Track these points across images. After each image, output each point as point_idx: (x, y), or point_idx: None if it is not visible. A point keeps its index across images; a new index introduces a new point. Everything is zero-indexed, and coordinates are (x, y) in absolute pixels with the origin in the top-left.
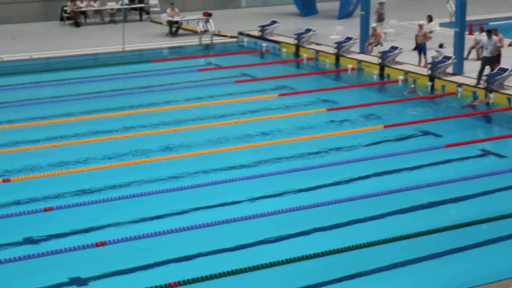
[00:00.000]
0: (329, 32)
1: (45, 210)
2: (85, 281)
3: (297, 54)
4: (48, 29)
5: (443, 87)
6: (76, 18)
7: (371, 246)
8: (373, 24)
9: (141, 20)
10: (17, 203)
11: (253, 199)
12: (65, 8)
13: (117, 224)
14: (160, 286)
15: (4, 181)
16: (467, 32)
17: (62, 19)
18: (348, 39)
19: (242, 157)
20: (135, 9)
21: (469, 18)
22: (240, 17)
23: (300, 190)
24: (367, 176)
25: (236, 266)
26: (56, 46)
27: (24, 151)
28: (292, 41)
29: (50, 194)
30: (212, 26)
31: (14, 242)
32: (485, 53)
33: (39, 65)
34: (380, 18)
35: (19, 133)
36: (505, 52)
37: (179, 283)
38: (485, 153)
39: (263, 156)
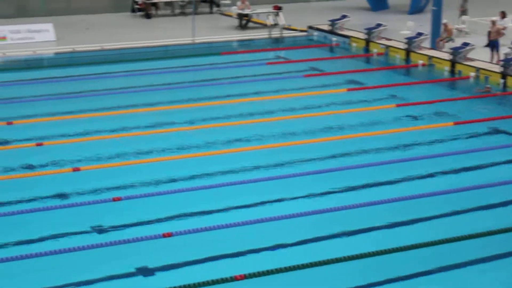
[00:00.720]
0: (399, 27)
1: (114, 200)
2: (152, 271)
3: (367, 49)
4: (120, 20)
5: None
6: (147, 10)
7: (437, 245)
8: (444, 20)
9: (211, 12)
10: (86, 192)
11: (321, 194)
12: (136, 0)
13: (184, 215)
14: (226, 278)
15: (74, 170)
16: None
17: (133, 10)
18: (419, 34)
19: (310, 151)
20: (205, 1)
21: None
22: (310, 11)
23: (368, 186)
24: (436, 174)
25: (301, 261)
26: (127, 37)
27: (94, 141)
28: (362, 35)
29: (119, 184)
30: (282, 20)
31: (83, 231)
32: None
33: (111, 56)
34: (464, 13)
35: (90, 123)
36: None
37: (245, 276)
38: None
39: (331, 151)
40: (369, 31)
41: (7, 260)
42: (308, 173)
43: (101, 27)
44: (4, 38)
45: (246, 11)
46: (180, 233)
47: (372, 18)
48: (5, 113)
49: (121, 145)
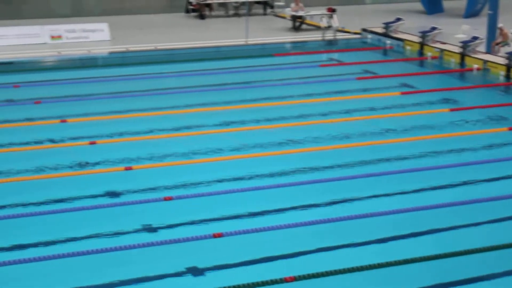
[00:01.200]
0: (454, 31)
1: (165, 199)
2: (202, 271)
3: (421, 53)
4: (173, 20)
5: None
6: (201, 11)
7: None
8: (500, 24)
9: (265, 14)
10: (138, 191)
11: (374, 197)
12: (190, 1)
13: (235, 216)
14: (276, 280)
15: (126, 169)
16: None
17: (187, 11)
18: (474, 38)
19: (364, 154)
20: (259, 2)
21: None
22: (364, 14)
23: (423, 189)
24: (490, 180)
25: (351, 264)
26: (180, 37)
27: (146, 140)
28: (417, 39)
29: (170, 184)
30: (336, 22)
31: (134, 229)
32: None
33: (164, 56)
34: None
35: (142, 123)
36: None
37: (295, 278)
38: None
39: (384, 154)
40: (424, 34)
41: (59, 257)
42: (362, 176)
43: (155, 27)
44: (59, 37)
45: (300, 13)
46: (231, 234)
47: (427, 21)
48: (59, 111)
49: (173, 145)
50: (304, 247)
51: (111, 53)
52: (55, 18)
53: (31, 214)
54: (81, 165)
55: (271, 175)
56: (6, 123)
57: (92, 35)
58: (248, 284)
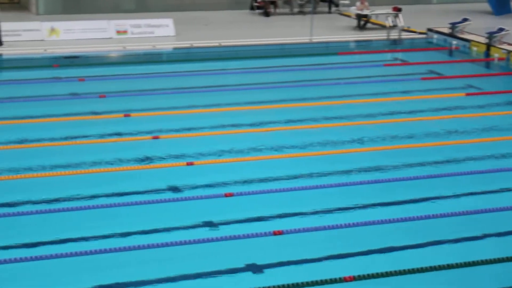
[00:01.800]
0: None
1: (226, 195)
2: (261, 268)
3: (487, 54)
4: (238, 17)
5: None
6: (265, 8)
7: None
8: None
9: (329, 12)
10: (199, 187)
11: (439, 198)
12: None
13: (296, 214)
14: (335, 279)
15: (188, 164)
16: None
17: (252, 8)
18: None
19: (428, 155)
20: (324, 1)
21: None
22: (430, 13)
23: (491, 192)
24: None
25: (411, 265)
26: (244, 34)
27: (209, 136)
28: (483, 40)
29: (232, 180)
30: (401, 21)
31: (194, 225)
32: None
33: (227, 53)
34: None
35: (205, 118)
36: None
37: (354, 278)
38: None
39: (450, 155)
40: (491, 35)
41: (120, 250)
42: (425, 177)
43: (220, 24)
44: (125, 32)
45: (365, 12)
46: (291, 232)
47: (494, 22)
48: (123, 105)
49: (235, 141)
50: (365, 246)
51: (175, 48)
52: (121, 13)
53: (97, 207)
54: (144, 160)
55: (333, 173)
56: (71, 116)
57: (157, 31)
58: (307, 283)
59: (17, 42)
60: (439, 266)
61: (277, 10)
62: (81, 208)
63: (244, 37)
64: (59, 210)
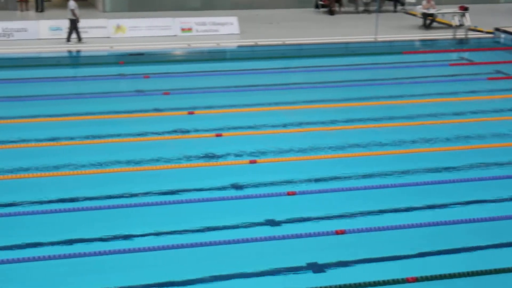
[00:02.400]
0: None
1: (288, 194)
2: (322, 267)
3: None
4: (303, 15)
5: None
6: (330, 6)
7: None
8: None
9: (395, 11)
10: (262, 185)
11: (506, 200)
12: None
13: (358, 214)
14: (397, 280)
15: (251, 162)
16: None
17: (317, 6)
18: None
19: (494, 156)
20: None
21: None
22: (497, 13)
23: None
24: None
25: (474, 268)
26: (308, 33)
27: (271, 134)
28: None
29: (294, 179)
30: (468, 21)
31: (257, 223)
32: None
33: (291, 51)
34: None
35: (268, 116)
36: None
37: (417, 279)
38: None
39: None
40: None
41: (182, 247)
42: (493, 178)
43: (284, 22)
44: (189, 29)
45: (431, 11)
46: (353, 231)
47: None
48: (187, 103)
49: (298, 140)
50: (429, 247)
51: (239, 46)
52: (186, 11)
53: (161, 203)
54: (207, 157)
55: (396, 173)
56: (135, 113)
57: (222, 29)
58: (369, 283)
59: (84, 39)
60: (508, 268)
61: (342, 9)
62: (145, 205)
63: (308, 35)
64: (125, 206)
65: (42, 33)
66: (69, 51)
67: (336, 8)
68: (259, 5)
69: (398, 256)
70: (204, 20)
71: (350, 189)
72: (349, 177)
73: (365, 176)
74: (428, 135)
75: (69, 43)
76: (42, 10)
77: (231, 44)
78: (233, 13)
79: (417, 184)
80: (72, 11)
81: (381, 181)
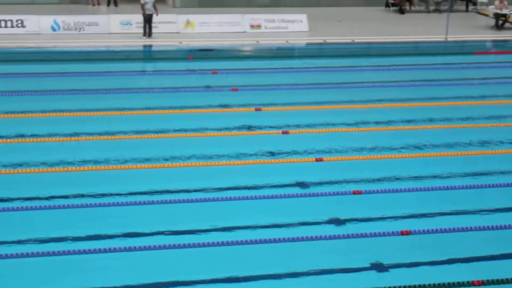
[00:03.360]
0: None
1: (354, 193)
2: (386, 268)
3: None
4: (373, 14)
5: None
6: (401, 5)
7: None
8: None
9: (467, 11)
10: (327, 183)
11: None
12: None
13: (425, 215)
14: (463, 282)
15: (317, 160)
16: None
17: (387, 5)
18: None
19: None
20: None
21: None
22: None
23: None
24: None
25: None
26: (378, 31)
27: (337, 133)
28: None
29: (360, 178)
30: None
31: (321, 221)
32: None
33: (360, 49)
34: None
35: (335, 115)
36: None
37: (483, 282)
38: None
39: None
40: None
41: (247, 243)
42: None
43: (354, 20)
44: (258, 26)
45: (504, 11)
46: (419, 232)
47: None
48: (254, 99)
49: (364, 139)
50: (495, 250)
51: (308, 44)
52: (256, 7)
53: (224, 199)
54: (273, 154)
55: (462, 175)
56: (203, 108)
57: (291, 26)
58: (434, 285)
59: (153, 34)
60: None
61: (413, 8)
62: (207, 200)
63: (378, 34)
64: (197, 201)
65: (113, 28)
66: (139, 46)
67: (407, 7)
68: (329, 3)
69: (464, 258)
70: (273, 17)
71: (417, 190)
72: (415, 178)
73: (430, 177)
74: (494, 137)
75: (144, 37)
76: (115, 5)
77: (300, 41)
78: (303, 11)
79: (483, 186)
80: (154, 5)
81: (447, 183)
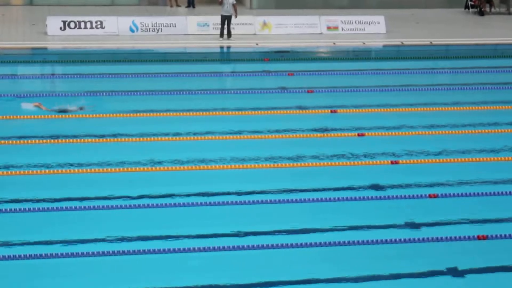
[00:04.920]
0: None
1: (430, 196)
2: (462, 273)
3: None
4: (451, 16)
5: None
6: (481, 7)
7: None
8: None
9: None
10: (403, 186)
11: None
12: None
13: (501, 220)
14: None
15: (392, 163)
16: None
17: (466, 7)
18: None
19: None
20: None
21: None
22: None
23: None
24: None
25: None
26: (456, 33)
27: (412, 136)
28: None
29: (435, 182)
30: None
31: (396, 224)
32: None
33: (439, 51)
34: None
35: (410, 117)
36: None
37: None
38: None
39: None
40: None
41: (323, 245)
42: None
43: (432, 22)
44: (335, 28)
45: None
46: (496, 237)
47: None
48: (330, 101)
49: (442, 142)
50: None
51: (385, 46)
52: (333, 9)
53: (297, 201)
54: (349, 157)
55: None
56: (279, 110)
57: (368, 27)
58: None
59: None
60: None
61: (493, 9)
62: (282, 202)
63: (456, 36)
64: (257, 202)
65: (190, 29)
66: (215, 47)
67: (487, 9)
68: (407, 4)
69: None
70: (350, 18)
71: (494, 194)
72: (494, 182)
73: (506, 182)
74: None
75: (221, 39)
76: (193, 6)
77: (377, 43)
78: (380, 12)
79: None
80: (234, 6)
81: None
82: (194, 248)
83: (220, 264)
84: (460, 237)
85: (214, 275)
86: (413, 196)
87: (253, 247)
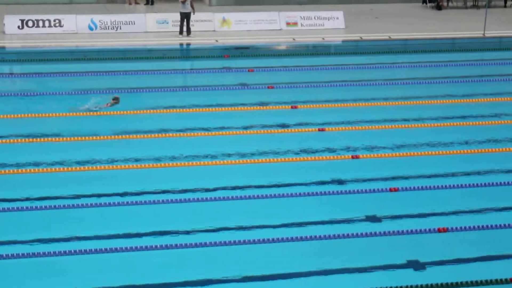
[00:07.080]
0: None
1: (391, 190)
2: (423, 265)
3: None
4: (409, 10)
5: None
6: (438, 1)
7: None
8: None
9: (505, 6)
10: (364, 180)
11: None
12: None
13: (461, 212)
14: (501, 280)
15: (352, 157)
16: None
17: (424, 1)
18: None
19: None
20: None
21: None
22: None
23: None
24: None
25: None
26: (414, 28)
27: (372, 130)
28: None
29: (396, 175)
30: None
31: (357, 218)
32: None
33: (396, 46)
34: None
35: (370, 112)
36: None
37: None
38: None
39: None
40: None
41: (272, 241)
42: None
43: (390, 17)
44: (295, 23)
45: None
46: (456, 230)
47: None
48: (290, 97)
49: (402, 136)
50: None
51: (344, 41)
52: (291, 5)
53: (258, 197)
54: (309, 152)
55: (497, 172)
56: (239, 106)
57: (327, 23)
58: (471, 282)
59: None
60: None
61: (450, 4)
62: (243, 198)
63: (415, 30)
64: (215, 199)
65: (150, 26)
66: (175, 44)
67: (444, 3)
68: (366, 0)
69: (502, 255)
70: (309, 14)
71: (453, 187)
72: (452, 175)
73: (466, 174)
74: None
75: (180, 36)
76: (152, 4)
77: (336, 38)
78: (338, 8)
79: None
80: (191, 3)
81: (485, 179)
82: (157, 246)
83: (183, 262)
84: (421, 230)
85: (178, 272)
86: (374, 190)
87: (215, 244)
